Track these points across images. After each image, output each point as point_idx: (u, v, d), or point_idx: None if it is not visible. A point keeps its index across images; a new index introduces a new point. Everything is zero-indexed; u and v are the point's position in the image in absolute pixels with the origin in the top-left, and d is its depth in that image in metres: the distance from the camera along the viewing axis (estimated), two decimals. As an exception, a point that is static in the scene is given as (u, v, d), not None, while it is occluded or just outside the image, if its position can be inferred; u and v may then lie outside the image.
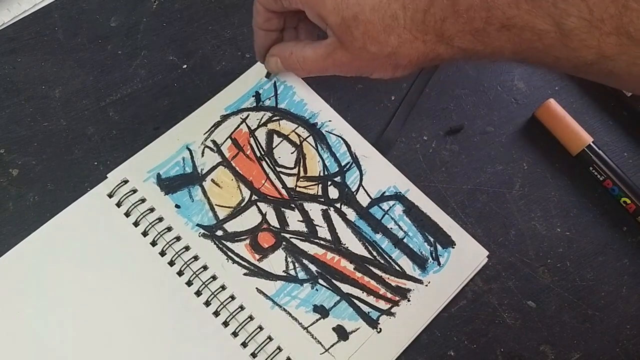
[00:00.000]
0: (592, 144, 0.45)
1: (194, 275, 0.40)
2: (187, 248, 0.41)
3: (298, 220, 0.42)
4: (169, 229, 0.41)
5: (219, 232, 0.42)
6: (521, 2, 0.29)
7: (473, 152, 0.46)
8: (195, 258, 0.41)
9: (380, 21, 0.33)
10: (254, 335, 0.39)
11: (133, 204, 0.42)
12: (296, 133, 0.45)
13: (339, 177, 0.44)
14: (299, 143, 0.45)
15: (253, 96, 0.46)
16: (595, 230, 0.44)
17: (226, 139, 0.44)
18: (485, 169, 0.46)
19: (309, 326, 0.40)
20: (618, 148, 0.47)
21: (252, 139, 0.44)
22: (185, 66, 0.47)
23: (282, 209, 0.43)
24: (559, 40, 0.29)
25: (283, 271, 0.41)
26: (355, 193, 0.43)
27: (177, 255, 0.41)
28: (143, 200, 0.42)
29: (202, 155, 0.44)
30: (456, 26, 0.31)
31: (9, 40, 0.47)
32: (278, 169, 0.44)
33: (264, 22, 0.39)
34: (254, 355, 0.39)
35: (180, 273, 0.40)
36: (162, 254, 0.41)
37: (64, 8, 0.49)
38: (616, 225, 0.44)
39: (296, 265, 0.41)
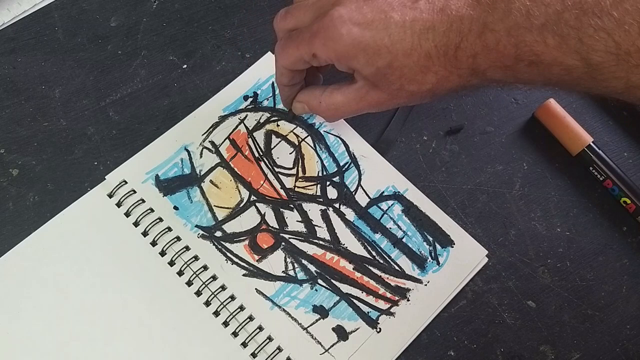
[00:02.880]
0: (592, 144, 0.45)
1: (194, 276, 0.40)
2: (187, 248, 0.41)
3: (297, 221, 0.42)
4: (169, 229, 0.42)
5: (218, 233, 0.42)
6: (548, 37, 0.29)
7: (473, 152, 0.46)
8: (196, 258, 0.41)
9: (415, 64, 0.33)
10: (254, 336, 0.39)
11: (133, 204, 0.42)
12: (294, 133, 0.45)
13: (337, 177, 0.44)
14: (297, 143, 0.45)
15: (251, 97, 0.46)
16: (595, 230, 0.44)
17: (224, 140, 0.44)
18: (485, 169, 0.45)
19: (308, 326, 0.40)
20: (618, 148, 0.47)
21: (250, 139, 0.44)
22: (185, 66, 0.47)
23: (281, 210, 0.43)
24: (588, 73, 0.29)
25: (282, 272, 0.41)
26: (354, 193, 0.43)
27: (177, 255, 0.41)
28: (143, 201, 0.42)
29: (201, 156, 0.44)
30: (487, 61, 0.31)
31: (9, 40, 0.47)
32: (276, 169, 0.44)
33: (289, 81, 0.39)
34: (254, 355, 0.39)
35: (180, 273, 0.40)
36: (163, 254, 0.41)
37: (64, 8, 0.49)
38: (616, 225, 0.44)
39: (295, 265, 0.41)
